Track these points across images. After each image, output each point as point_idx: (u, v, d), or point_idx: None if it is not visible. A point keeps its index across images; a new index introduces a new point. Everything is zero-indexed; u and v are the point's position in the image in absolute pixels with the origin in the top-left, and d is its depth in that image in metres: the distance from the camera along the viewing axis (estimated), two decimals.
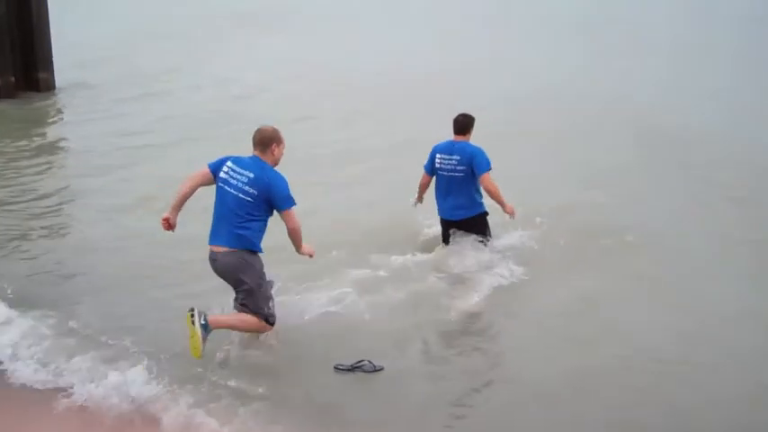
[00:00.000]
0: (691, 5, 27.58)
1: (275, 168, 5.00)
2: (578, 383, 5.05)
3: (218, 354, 5.17)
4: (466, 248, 6.66)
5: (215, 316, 4.98)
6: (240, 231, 4.86)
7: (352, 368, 5.14)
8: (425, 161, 6.86)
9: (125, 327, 5.54)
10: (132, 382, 4.75)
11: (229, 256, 4.89)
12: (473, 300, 6.15)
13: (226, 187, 4.88)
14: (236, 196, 4.85)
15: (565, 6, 27.36)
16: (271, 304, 5.11)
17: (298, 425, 4.58)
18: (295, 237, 5.00)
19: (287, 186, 4.89)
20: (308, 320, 5.62)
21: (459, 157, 6.52)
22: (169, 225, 5.09)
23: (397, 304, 6.01)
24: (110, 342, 5.30)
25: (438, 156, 6.65)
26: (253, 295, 4.98)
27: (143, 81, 15.69)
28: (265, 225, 4.98)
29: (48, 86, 14.65)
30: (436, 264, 6.66)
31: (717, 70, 16.72)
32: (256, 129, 5.03)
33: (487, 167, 6.42)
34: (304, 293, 5.88)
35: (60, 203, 8.63)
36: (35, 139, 11.51)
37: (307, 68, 16.69)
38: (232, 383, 4.90)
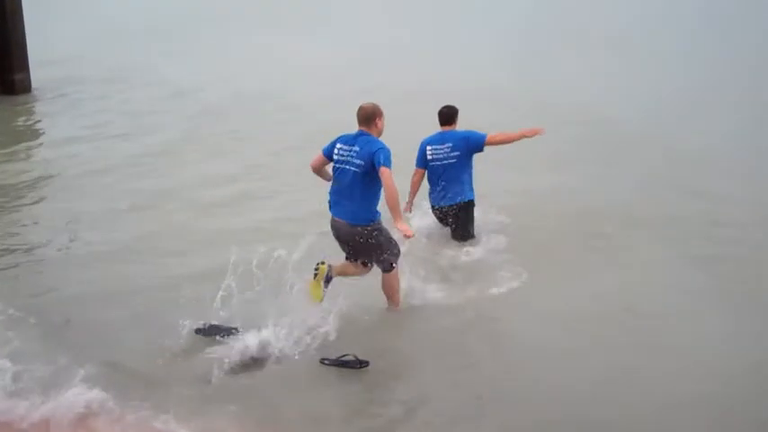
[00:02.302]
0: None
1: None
2: (567, 383, 5.06)
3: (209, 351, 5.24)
4: (457, 243, 6.80)
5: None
6: (357, 206, 5.39)
7: (338, 362, 5.20)
8: (415, 160, 6.94)
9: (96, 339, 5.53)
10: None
11: (350, 228, 5.42)
12: (461, 295, 6.18)
13: (340, 165, 5.44)
14: (350, 171, 5.37)
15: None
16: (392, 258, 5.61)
17: (280, 423, 4.63)
18: (390, 199, 5.26)
19: (388, 151, 5.32)
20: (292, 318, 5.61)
21: (451, 144, 6.67)
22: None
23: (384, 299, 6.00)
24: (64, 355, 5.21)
25: (429, 148, 6.79)
26: (381, 255, 5.54)
27: (123, 81, 15.53)
28: (380, 190, 5.38)
29: (24, 88, 14.33)
30: (424, 258, 6.67)
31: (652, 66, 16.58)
32: (359, 107, 5.49)
33: (484, 134, 6.61)
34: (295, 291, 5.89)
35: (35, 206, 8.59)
36: (7, 143, 11.31)
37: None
38: (216, 382, 4.97)
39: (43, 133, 12.33)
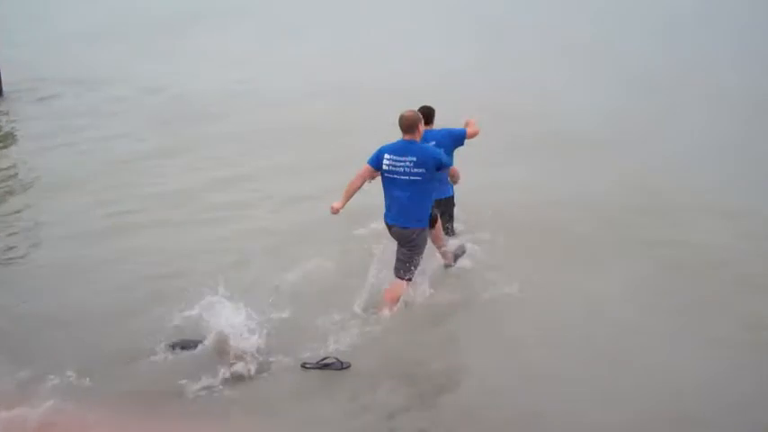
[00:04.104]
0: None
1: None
2: (550, 384, 5.00)
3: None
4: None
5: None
6: (412, 213, 5.68)
7: (320, 365, 5.12)
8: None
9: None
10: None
11: (405, 231, 5.75)
12: (440, 293, 6.11)
13: (393, 176, 5.65)
14: (407, 180, 5.61)
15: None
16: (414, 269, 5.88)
17: (264, 426, 4.57)
18: (456, 178, 6.20)
19: (440, 152, 5.72)
20: (275, 317, 5.57)
21: (434, 142, 6.63)
22: (338, 211, 5.78)
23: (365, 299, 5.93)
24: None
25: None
26: (414, 258, 5.82)
27: (97, 85, 15.22)
28: (432, 190, 5.75)
29: None
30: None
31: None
32: (400, 116, 5.67)
33: (463, 129, 6.64)
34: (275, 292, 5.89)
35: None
36: None
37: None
38: (201, 385, 4.90)
39: (18, 137, 12.03)
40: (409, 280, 5.83)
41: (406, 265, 5.79)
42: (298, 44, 18.16)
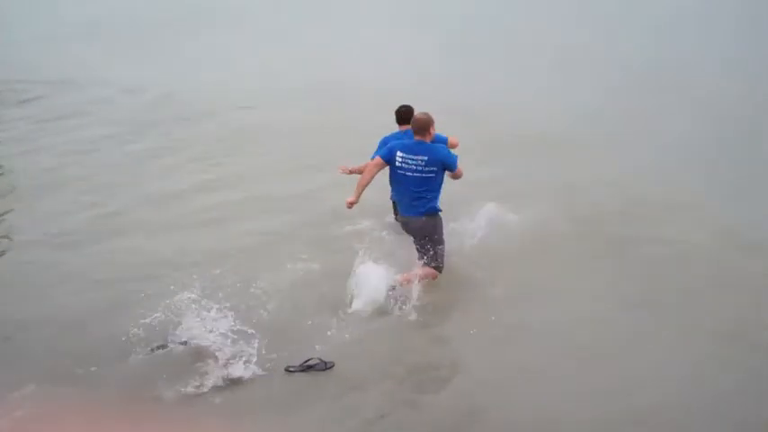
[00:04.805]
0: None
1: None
2: (536, 383, 4.97)
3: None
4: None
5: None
6: (423, 203, 5.95)
7: (304, 368, 5.06)
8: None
9: None
10: None
11: (419, 222, 5.98)
12: (425, 294, 6.00)
13: (405, 173, 5.92)
14: (419, 177, 5.88)
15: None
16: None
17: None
18: (460, 175, 6.15)
19: (454, 156, 6.00)
20: (259, 320, 5.53)
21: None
22: (352, 205, 6.00)
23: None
24: None
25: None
26: (438, 246, 6.11)
27: (80, 86, 14.97)
28: (441, 185, 6.03)
29: None
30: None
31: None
32: (413, 118, 6.00)
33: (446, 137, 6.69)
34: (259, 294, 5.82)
35: None
36: None
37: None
38: (181, 390, 4.82)
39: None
40: (438, 268, 6.07)
41: (430, 253, 6.04)
42: (283, 44, 18.04)
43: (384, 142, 6.73)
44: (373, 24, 20.03)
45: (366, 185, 5.88)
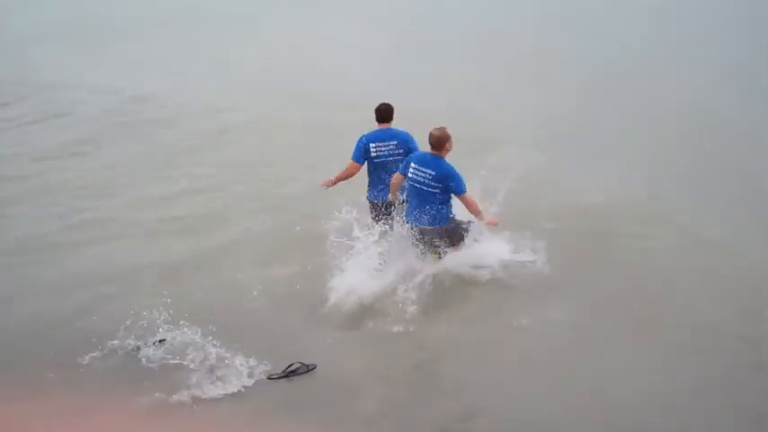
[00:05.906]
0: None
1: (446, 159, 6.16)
2: (536, 387, 4.99)
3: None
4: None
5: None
6: (433, 214, 6.14)
7: (286, 374, 5.05)
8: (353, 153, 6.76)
9: None
10: None
11: (431, 231, 6.21)
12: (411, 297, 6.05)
13: (416, 185, 6.14)
14: (426, 190, 6.09)
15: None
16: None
17: None
18: (474, 211, 6.18)
19: (459, 177, 6.05)
20: (244, 323, 5.55)
21: (395, 142, 6.65)
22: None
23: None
24: None
25: (372, 144, 6.65)
26: (455, 243, 6.38)
27: (52, 90, 14.69)
28: (450, 199, 6.18)
29: None
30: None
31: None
32: (429, 133, 6.07)
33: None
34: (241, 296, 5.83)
35: None
36: None
37: None
38: (174, 398, 4.79)
39: None
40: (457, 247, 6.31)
41: (450, 246, 6.27)
42: (261, 48, 17.97)
43: (360, 140, 6.69)
44: (359, 24, 20.14)
45: (398, 187, 6.34)
